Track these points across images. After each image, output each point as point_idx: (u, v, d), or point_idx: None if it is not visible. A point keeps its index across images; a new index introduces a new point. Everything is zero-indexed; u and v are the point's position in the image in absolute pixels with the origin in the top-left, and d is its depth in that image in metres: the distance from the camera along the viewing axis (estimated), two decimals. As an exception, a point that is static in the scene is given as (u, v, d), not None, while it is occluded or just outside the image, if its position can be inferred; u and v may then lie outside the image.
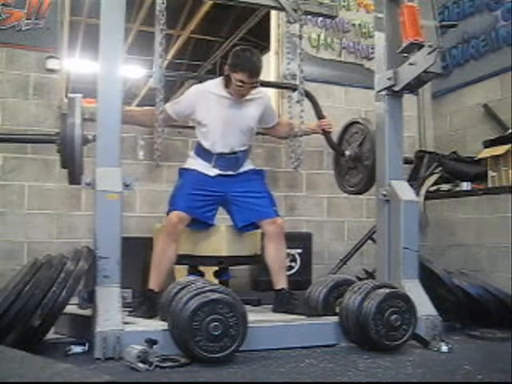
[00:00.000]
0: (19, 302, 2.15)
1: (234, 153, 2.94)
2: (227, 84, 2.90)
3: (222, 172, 2.93)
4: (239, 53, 2.85)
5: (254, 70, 2.82)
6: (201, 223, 2.89)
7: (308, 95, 3.25)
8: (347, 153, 3.24)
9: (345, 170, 3.31)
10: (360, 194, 3.36)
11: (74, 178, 2.36)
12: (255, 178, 3.01)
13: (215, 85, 2.96)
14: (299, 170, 3.17)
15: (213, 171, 2.93)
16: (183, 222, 2.81)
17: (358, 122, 3.26)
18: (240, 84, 2.82)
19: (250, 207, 2.91)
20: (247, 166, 3.01)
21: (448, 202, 4.20)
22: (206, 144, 2.93)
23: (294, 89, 3.12)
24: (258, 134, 4.08)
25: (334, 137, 3.37)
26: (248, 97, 2.94)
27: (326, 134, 3.28)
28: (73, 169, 2.33)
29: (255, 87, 2.92)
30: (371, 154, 3.07)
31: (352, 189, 3.27)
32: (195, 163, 2.96)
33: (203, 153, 2.95)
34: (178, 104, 2.97)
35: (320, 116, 3.25)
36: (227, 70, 2.86)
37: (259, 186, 2.99)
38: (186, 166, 3.01)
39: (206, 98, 2.91)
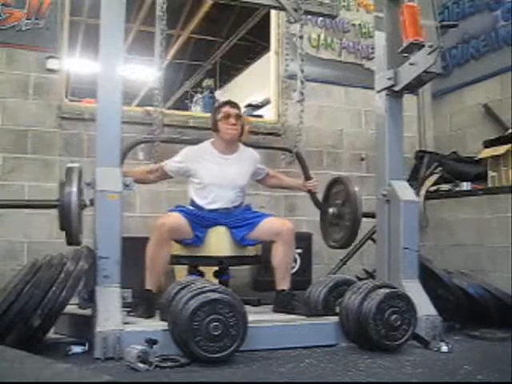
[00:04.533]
0: (19, 302, 2.15)
1: (227, 209, 2.99)
2: (218, 140, 3.04)
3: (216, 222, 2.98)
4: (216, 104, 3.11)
5: (232, 102, 3.11)
6: (191, 239, 2.90)
7: (298, 156, 3.35)
8: (330, 211, 3.29)
9: (328, 225, 3.36)
10: (341, 248, 3.44)
11: (71, 239, 2.54)
12: (245, 210, 3.06)
13: (207, 146, 3.09)
14: (299, 169, 3.21)
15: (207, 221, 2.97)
16: (172, 221, 2.80)
17: (340, 182, 3.29)
18: (227, 116, 2.97)
19: (245, 224, 2.94)
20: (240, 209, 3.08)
21: (448, 201, 4.19)
22: (199, 201, 3.01)
23: (288, 151, 3.24)
24: (257, 134, 4.11)
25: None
26: (240, 155, 3.08)
27: (311, 193, 3.36)
28: (70, 232, 2.51)
29: (241, 126, 3.05)
30: (352, 214, 3.11)
31: (334, 244, 3.34)
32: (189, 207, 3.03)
33: (197, 207, 3.00)
34: (173, 162, 3.04)
35: (307, 177, 3.31)
36: (214, 120, 3.02)
37: (249, 213, 3.05)
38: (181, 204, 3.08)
39: (200, 158, 3.02)
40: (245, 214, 3.01)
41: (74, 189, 2.49)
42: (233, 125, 2.98)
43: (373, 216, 3.10)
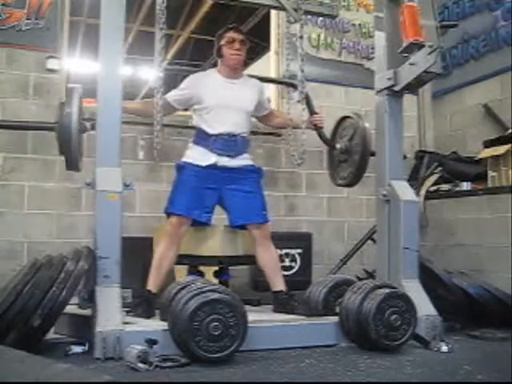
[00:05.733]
0: (19, 302, 2.15)
1: (233, 135, 2.91)
2: (222, 65, 3.02)
3: (218, 159, 2.88)
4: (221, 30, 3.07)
5: (236, 27, 3.05)
6: (199, 223, 2.89)
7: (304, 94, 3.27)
8: (338, 146, 3.26)
9: (336, 163, 3.33)
10: (349, 186, 3.40)
11: (71, 164, 2.46)
12: (251, 176, 2.98)
13: (212, 72, 3.08)
14: (300, 169, 3.19)
15: (210, 158, 2.88)
16: (184, 224, 2.83)
17: (349, 117, 3.28)
18: (231, 41, 2.95)
19: (242, 207, 2.90)
20: (245, 161, 2.98)
21: (448, 201, 4.19)
22: (205, 126, 2.92)
23: (291, 84, 3.16)
24: (257, 134, 4.10)
25: (329, 131, 3.40)
26: (244, 82, 3.04)
27: (317, 128, 3.31)
28: (70, 155, 2.43)
29: (245, 52, 3.01)
30: (360, 147, 3.08)
31: (341, 181, 3.30)
32: (192, 154, 2.93)
33: (202, 137, 2.92)
34: (177, 91, 2.99)
35: (312, 112, 3.27)
36: (218, 46, 3.02)
37: (253, 185, 2.97)
38: (182, 159, 2.97)
39: (204, 83, 2.98)
40: (249, 184, 2.94)
41: (75, 109, 2.42)
42: (237, 50, 2.96)
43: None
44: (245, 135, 2.97)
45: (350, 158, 3.18)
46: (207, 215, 2.88)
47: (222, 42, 2.99)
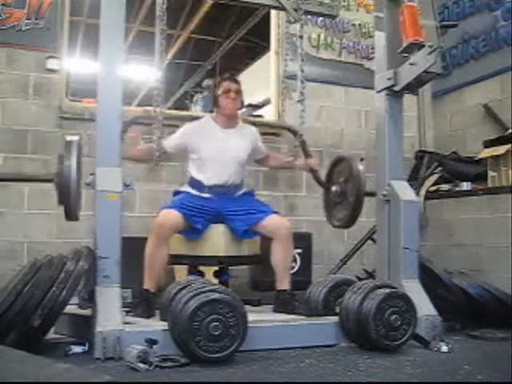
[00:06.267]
0: (19, 302, 2.15)
1: (226, 186, 3.00)
2: (218, 114, 3.07)
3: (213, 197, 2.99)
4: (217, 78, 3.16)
5: (232, 76, 3.15)
6: (191, 232, 2.89)
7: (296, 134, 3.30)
8: (333, 188, 3.23)
9: (332, 205, 3.30)
10: (345, 228, 3.38)
11: (70, 215, 2.50)
12: (247, 197, 3.08)
13: (207, 121, 3.14)
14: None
15: (206, 195, 2.99)
16: (170, 220, 2.79)
17: (344, 159, 3.25)
18: (227, 91, 3.01)
19: (246, 214, 2.93)
20: (240, 192, 3.09)
21: (448, 201, 4.19)
22: (199, 176, 3.02)
23: (288, 129, 3.22)
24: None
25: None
26: (240, 131, 3.11)
27: (313, 171, 3.35)
28: (69, 206, 2.47)
29: (242, 103, 3.12)
30: (354, 193, 3.05)
31: (337, 223, 3.27)
32: (189, 189, 3.04)
33: (196, 185, 3.02)
34: (173, 139, 3.05)
35: (307, 155, 3.30)
36: (214, 96, 3.07)
37: (252, 201, 3.05)
38: (180, 188, 3.09)
39: (200, 132, 3.04)
40: (247, 202, 3.01)
41: (74, 162, 2.45)
42: (233, 99, 3.02)
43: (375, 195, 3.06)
44: (237, 183, 3.07)
45: (345, 200, 3.17)
46: (200, 226, 2.87)
47: (219, 92, 3.04)
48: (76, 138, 2.56)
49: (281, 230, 2.88)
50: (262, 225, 2.91)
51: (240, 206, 2.97)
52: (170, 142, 3.02)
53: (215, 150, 2.99)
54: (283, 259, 2.89)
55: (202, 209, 2.90)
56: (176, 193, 3.07)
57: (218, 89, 3.05)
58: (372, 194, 3.06)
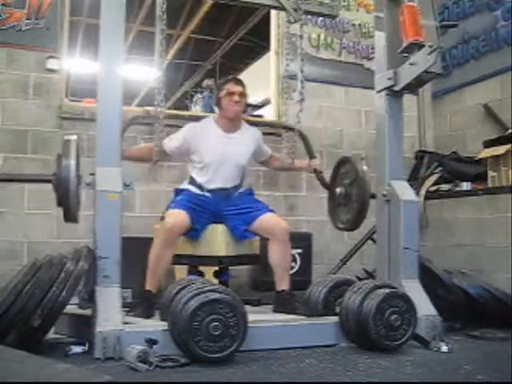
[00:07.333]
0: (19, 302, 2.15)
1: (226, 189, 3.00)
2: (221, 117, 3.05)
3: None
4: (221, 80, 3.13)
5: (236, 78, 3.13)
6: (190, 232, 2.88)
7: (301, 135, 3.30)
8: (338, 190, 3.21)
9: (336, 206, 3.27)
10: (349, 231, 3.37)
11: (69, 216, 2.47)
12: (246, 195, 3.07)
13: (209, 123, 3.10)
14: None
15: (206, 194, 2.99)
16: (180, 222, 2.79)
17: (349, 160, 3.20)
18: (230, 94, 2.97)
19: (244, 213, 2.93)
20: (239, 191, 3.08)
21: (448, 201, 4.19)
22: (198, 179, 3.01)
23: (290, 128, 3.19)
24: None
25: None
26: (242, 134, 3.08)
27: (316, 172, 3.34)
28: (68, 207, 2.43)
29: (245, 103, 3.08)
30: (359, 196, 3.03)
31: (341, 225, 3.25)
32: (189, 187, 3.03)
33: (196, 185, 3.01)
34: (173, 140, 3.02)
35: (311, 156, 3.28)
36: (217, 97, 3.04)
37: (249, 200, 3.04)
38: (180, 186, 3.08)
39: (201, 135, 3.01)
40: (245, 201, 3.00)
41: (72, 162, 2.43)
42: (236, 102, 2.98)
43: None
44: (237, 185, 3.06)
45: (349, 203, 3.14)
46: (199, 227, 2.87)
47: (222, 94, 3.00)
48: (74, 137, 2.55)
49: (276, 228, 2.87)
50: (258, 223, 2.90)
51: (238, 204, 2.97)
52: (171, 143, 2.99)
53: (217, 156, 2.97)
54: (281, 259, 2.88)
55: (202, 208, 2.90)
56: (177, 191, 3.05)
57: (222, 90, 3.02)
58: (373, 196, 3.06)
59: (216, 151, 2.97)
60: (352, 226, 3.18)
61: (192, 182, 3.04)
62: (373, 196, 3.05)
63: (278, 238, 2.86)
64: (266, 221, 2.90)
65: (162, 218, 2.89)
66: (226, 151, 2.99)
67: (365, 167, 3.05)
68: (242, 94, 3.01)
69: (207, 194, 2.98)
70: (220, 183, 2.98)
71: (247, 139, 3.10)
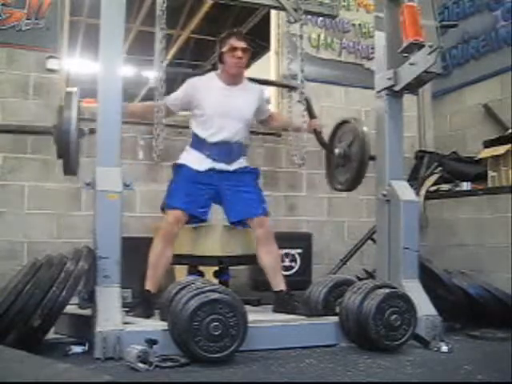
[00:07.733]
0: (19, 302, 2.15)
1: (229, 143, 2.93)
2: (223, 71, 2.97)
3: (214, 165, 2.90)
4: (223, 33, 3.01)
5: (239, 33, 3.01)
6: (195, 220, 2.89)
7: (303, 95, 3.21)
8: (337, 151, 3.21)
9: (334, 167, 3.28)
10: (347, 191, 3.36)
11: (69, 169, 2.45)
12: (246, 176, 2.99)
13: (211, 77, 3.04)
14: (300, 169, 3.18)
15: (205, 164, 2.90)
16: (179, 222, 2.81)
17: (348, 122, 3.23)
18: (233, 49, 2.89)
19: (241, 202, 2.89)
20: (241, 164, 2.99)
21: (448, 201, 4.19)
22: (201, 133, 2.93)
23: (292, 87, 3.14)
24: (257, 134, 4.10)
25: (328, 132, 3.39)
26: (244, 88, 3.01)
27: (316, 132, 3.29)
28: (68, 160, 2.41)
29: (248, 59, 2.97)
30: (359, 155, 3.04)
31: (339, 186, 3.26)
32: (188, 157, 2.95)
33: (198, 142, 2.94)
34: (176, 95, 2.99)
35: (312, 116, 3.25)
36: (219, 52, 2.95)
37: (250, 182, 2.98)
38: (179, 161, 2.99)
39: (203, 88, 2.95)
40: (246, 184, 2.94)
41: (74, 113, 2.40)
42: (239, 58, 2.92)
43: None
44: (241, 141, 2.99)
45: (348, 163, 3.13)
46: (203, 210, 2.86)
47: (224, 49, 2.94)
48: (75, 89, 2.53)
49: (258, 232, 2.87)
50: (248, 220, 2.90)
51: (237, 185, 2.91)
52: (172, 98, 2.95)
53: (219, 106, 2.91)
54: (269, 260, 2.89)
55: (202, 189, 2.86)
56: (176, 168, 2.97)
57: (224, 45, 2.93)
58: (372, 158, 3.02)
59: (218, 103, 2.91)
60: (350, 186, 3.17)
61: (194, 141, 2.96)
62: (372, 158, 3.04)
63: (262, 240, 2.87)
64: (252, 223, 2.89)
65: (163, 212, 2.89)
66: (228, 103, 2.93)
67: (365, 128, 3.04)
68: (246, 50, 2.93)
69: (208, 166, 2.88)
70: (222, 136, 2.90)
71: (250, 94, 3.03)
